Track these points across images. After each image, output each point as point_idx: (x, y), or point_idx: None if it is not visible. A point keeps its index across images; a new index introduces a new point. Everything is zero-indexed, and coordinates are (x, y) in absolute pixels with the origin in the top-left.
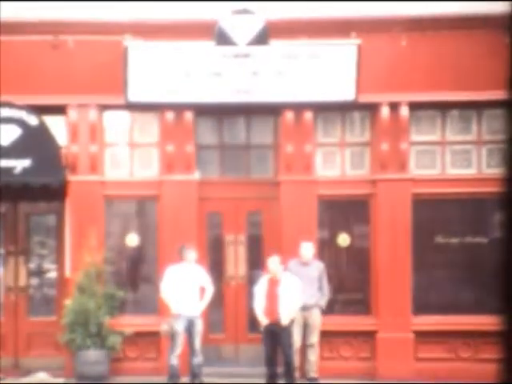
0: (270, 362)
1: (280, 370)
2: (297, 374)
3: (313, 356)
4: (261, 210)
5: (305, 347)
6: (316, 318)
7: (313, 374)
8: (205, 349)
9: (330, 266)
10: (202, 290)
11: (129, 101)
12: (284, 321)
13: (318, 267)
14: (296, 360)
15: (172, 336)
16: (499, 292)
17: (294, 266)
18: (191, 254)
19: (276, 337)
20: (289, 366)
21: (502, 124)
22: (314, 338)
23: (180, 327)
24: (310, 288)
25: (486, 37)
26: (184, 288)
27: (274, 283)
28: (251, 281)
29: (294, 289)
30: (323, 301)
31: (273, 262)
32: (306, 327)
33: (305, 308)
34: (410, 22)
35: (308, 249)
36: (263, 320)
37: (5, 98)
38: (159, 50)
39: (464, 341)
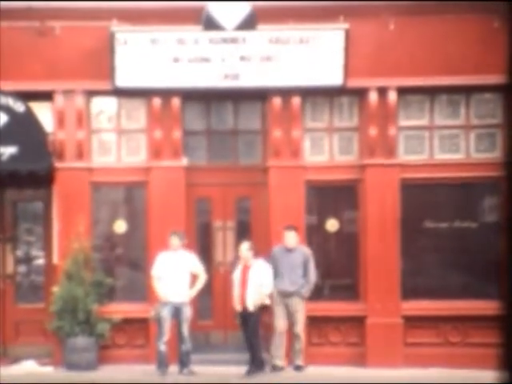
0: (247, 344)
1: (265, 355)
2: (282, 362)
3: (297, 344)
4: (249, 195)
5: (291, 335)
6: (296, 306)
7: (298, 361)
8: (193, 335)
9: (319, 251)
10: (194, 278)
11: (116, 87)
12: (250, 307)
13: (302, 253)
14: (279, 345)
15: (159, 322)
16: (500, 277)
17: (278, 252)
18: (174, 241)
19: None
20: (251, 352)
21: (491, 108)
22: (298, 327)
23: (166, 313)
24: (291, 274)
25: (474, 21)
26: (172, 274)
27: (245, 270)
28: (232, 268)
29: (264, 275)
30: (305, 288)
31: (242, 249)
32: (289, 315)
33: (285, 295)
34: (398, 7)
35: (291, 236)
36: (237, 307)
37: None
38: (146, 35)
39: (453, 325)
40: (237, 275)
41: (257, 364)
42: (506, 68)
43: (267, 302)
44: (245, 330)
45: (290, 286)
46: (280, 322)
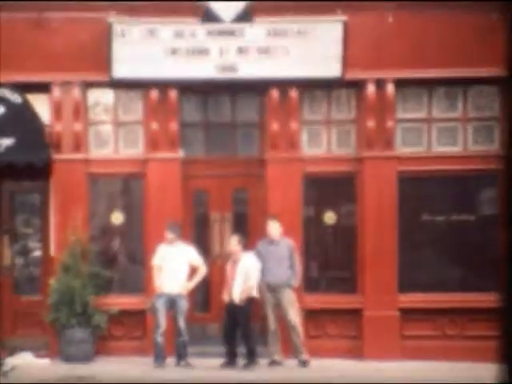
0: (226, 339)
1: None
2: (280, 357)
3: (295, 337)
4: (246, 187)
5: (286, 328)
6: (288, 297)
7: (302, 356)
8: (190, 327)
9: (316, 243)
10: (194, 270)
11: (113, 78)
12: (236, 300)
13: (287, 245)
14: (274, 341)
15: (154, 314)
16: (498, 270)
17: (262, 245)
18: (168, 233)
19: (234, 316)
20: (247, 345)
21: (489, 101)
22: (293, 318)
23: (160, 305)
24: (278, 267)
25: (472, 14)
26: (169, 267)
27: (234, 263)
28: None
29: (251, 269)
30: (294, 280)
31: (231, 242)
32: (280, 308)
33: (275, 288)
34: None
35: (275, 227)
36: (225, 298)
37: None
38: (144, 26)
39: (450, 318)
40: (228, 268)
41: (251, 356)
42: (505, 63)
43: (254, 294)
44: (230, 323)
45: (279, 278)
46: (271, 318)
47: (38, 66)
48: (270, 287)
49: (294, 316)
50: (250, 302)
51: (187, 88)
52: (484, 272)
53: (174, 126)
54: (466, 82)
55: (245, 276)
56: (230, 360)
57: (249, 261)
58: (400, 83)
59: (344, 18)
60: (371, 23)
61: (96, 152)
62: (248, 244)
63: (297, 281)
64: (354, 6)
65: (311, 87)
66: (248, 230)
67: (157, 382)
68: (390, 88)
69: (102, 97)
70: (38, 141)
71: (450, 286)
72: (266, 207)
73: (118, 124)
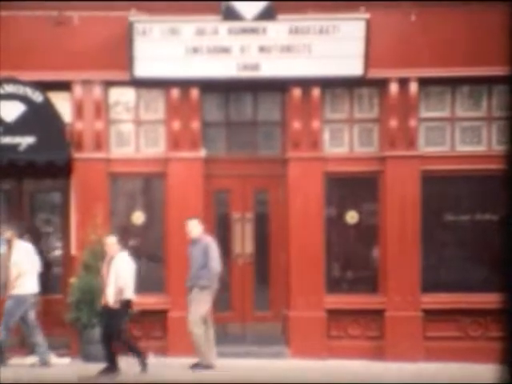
0: (103, 344)
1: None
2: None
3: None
4: (268, 187)
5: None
6: (193, 297)
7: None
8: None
9: (338, 243)
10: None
11: (134, 77)
12: (110, 302)
13: (202, 244)
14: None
15: None
16: (501, 270)
17: (189, 245)
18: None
19: (109, 319)
20: (105, 350)
21: (505, 100)
22: (188, 321)
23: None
24: (191, 268)
25: (497, 11)
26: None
27: (108, 264)
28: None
29: (121, 269)
30: (204, 279)
31: (107, 242)
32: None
33: (189, 289)
34: None
35: (191, 226)
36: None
37: (9, 74)
38: (165, 25)
39: (474, 319)
40: (103, 270)
41: (109, 366)
42: (508, 61)
43: (129, 296)
44: (103, 327)
45: (189, 279)
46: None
47: (59, 65)
48: (187, 288)
49: (192, 318)
50: (125, 304)
51: (209, 86)
52: (508, 272)
53: (195, 124)
54: (490, 81)
55: (116, 277)
56: (111, 365)
57: (120, 261)
58: (423, 82)
59: (367, 15)
60: (394, 21)
61: (117, 151)
62: (269, 244)
63: (208, 280)
64: (377, 4)
65: (333, 86)
66: (270, 229)
67: (173, 382)
68: (413, 86)
69: (123, 95)
70: (58, 139)
71: (473, 286)
72: (288, 206)
73: (139, 123)
